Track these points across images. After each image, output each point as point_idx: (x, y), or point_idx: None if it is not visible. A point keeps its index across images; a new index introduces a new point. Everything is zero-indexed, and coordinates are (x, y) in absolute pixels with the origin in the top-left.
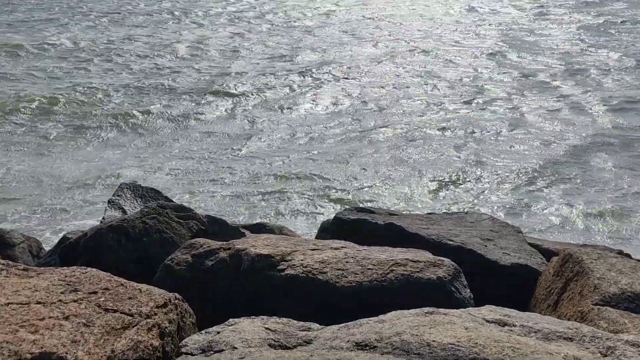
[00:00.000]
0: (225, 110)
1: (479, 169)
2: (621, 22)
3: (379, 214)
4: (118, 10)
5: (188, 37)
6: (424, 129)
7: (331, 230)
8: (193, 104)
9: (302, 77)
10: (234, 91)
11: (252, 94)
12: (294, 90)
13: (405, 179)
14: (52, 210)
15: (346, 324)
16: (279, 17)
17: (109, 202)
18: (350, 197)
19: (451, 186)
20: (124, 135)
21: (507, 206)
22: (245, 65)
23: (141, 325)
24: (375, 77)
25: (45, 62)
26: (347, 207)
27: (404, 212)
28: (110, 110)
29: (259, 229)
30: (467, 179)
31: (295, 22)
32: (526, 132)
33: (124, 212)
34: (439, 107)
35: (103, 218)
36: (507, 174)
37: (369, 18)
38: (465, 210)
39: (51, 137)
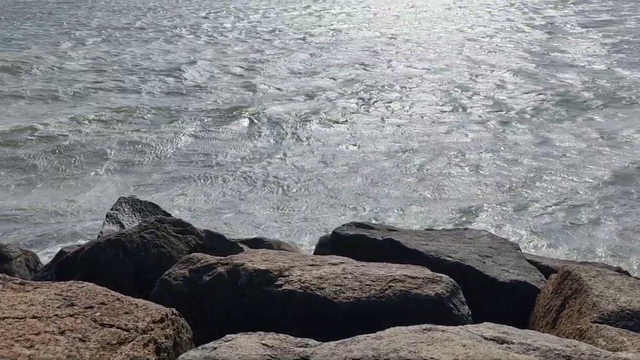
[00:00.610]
0: (249, 128)
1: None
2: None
3: (377, 230)
4: (125, 27)
5: (205, 54)
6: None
7: (330, 245)
8: (217, 124)
9: (323, 94)
10: (257, 109)
11: (280, 114)
12: (317, 109)
13: (424, 200)
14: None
15: (343, 340)
16: (291, 33)
17: (107, 216)
18: (361, 213)
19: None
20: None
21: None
22: (268, 82)
23: (137, 341)
24: (394, 94)
25: (62, 79)
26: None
27: (403, 228)
28: (136, 130)
29: (257, 243)
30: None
31: (308, 38)
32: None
33: (122, 226)
34: (464, 127)
35: (101, 232)
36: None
37: (384, 36)
38: (464, 227)
39: (75, 161)
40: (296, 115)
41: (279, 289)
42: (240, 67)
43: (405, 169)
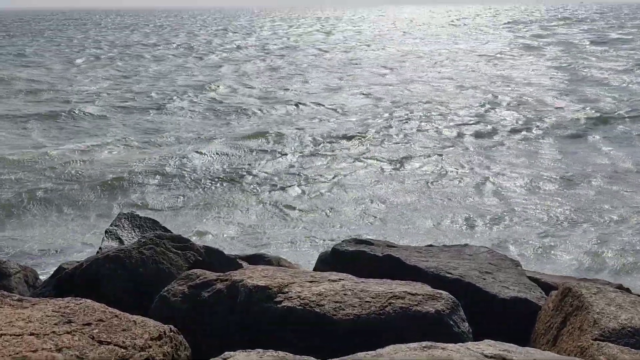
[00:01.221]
0: (274, 146)
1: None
2: None
3: (377, 246)
4: (137, 43)
5: (226, 73)
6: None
7: (329, 261)
8: (244, 142)
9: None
10: (286, 130)
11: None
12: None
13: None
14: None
15: (343, 358)
16: (305, 50)
17: (106, 232)
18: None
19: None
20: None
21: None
22: (293, 101)
23: (135, 358)
24: (426, 112)
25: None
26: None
27: (403, 244)
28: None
29: (256, 260)
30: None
31: (323, 54)
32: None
33: (121, 242)
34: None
35: (100, 248)
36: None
37: (400, 53)
38: (464, 243)
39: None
40: (320, 134)
41: (279, 305)
42: (262, 86)
43: (442, 184)
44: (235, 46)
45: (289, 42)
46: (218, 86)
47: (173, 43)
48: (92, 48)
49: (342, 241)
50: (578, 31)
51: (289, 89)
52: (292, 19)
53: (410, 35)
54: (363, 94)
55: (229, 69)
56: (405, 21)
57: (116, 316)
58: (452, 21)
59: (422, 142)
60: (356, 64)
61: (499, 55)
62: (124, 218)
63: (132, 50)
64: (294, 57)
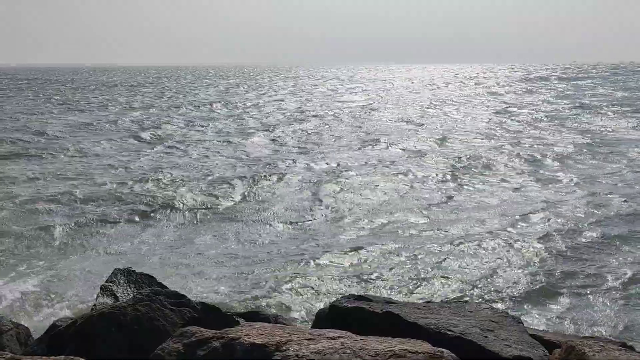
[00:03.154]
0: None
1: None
2: None
3: (376, 302)
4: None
5: (255, 132)
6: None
7: (328, 318)
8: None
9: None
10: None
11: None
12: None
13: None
14: None
15: None
16: (321, 112)
17: (101, 288)
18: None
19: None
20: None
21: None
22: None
23: None
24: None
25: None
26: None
27: (402, 300)
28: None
29: (253, 317)
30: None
31: (345, 110)
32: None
33: (116, 298)
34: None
35: (94, 305)
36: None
37: (403, 121)
38: (464, 299)
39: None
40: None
41: None
42: (298, 145)
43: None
44: (254, 106)
45: (308, 106)
46: (247, 142)
47: (196, 101)
48: (112, 106)
49: (341, 297)
50: (584, 87)
51: (320, 148)
52: (299, 79)
53: (423, 94)
54: (380, 148)
55: (255, 126)
56: (400, 79)
57: None
58: (457, 77)
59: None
60: (372, 119)
61: (516, 111)
62: (120, 274)
63: (149, 105)
64: (314, 116)
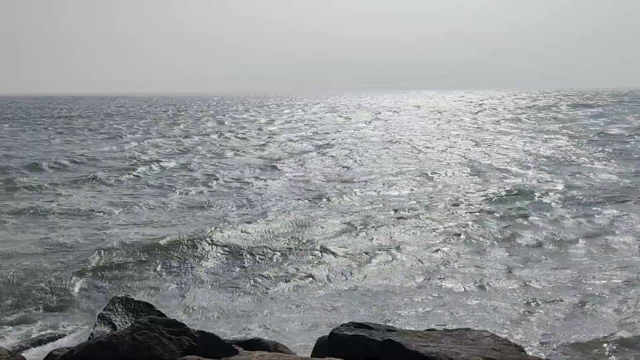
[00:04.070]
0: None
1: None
2: None
3: (377, 330)
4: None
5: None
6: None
7: (328, 346)
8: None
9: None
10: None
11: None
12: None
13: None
14: None
15: None
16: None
17: (99, 317)
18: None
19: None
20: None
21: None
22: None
23: None
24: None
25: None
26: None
27: (403, 328)
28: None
29: (253, 345)
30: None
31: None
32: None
33: (114, 327)
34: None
35: (92, 334)
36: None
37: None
38: (466, 327)
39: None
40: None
41: None
42: (321, 180)
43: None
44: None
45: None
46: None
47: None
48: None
49: (341, 325)
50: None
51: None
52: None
53: (437, 129)
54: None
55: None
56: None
57: None
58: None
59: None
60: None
61: (545, 153)
62: (118, 302)
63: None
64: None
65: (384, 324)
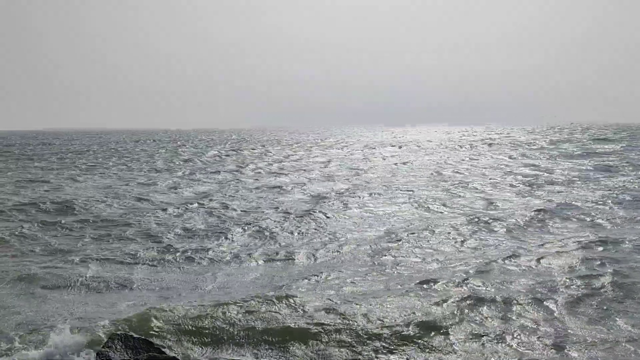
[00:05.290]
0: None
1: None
2: None
3: None
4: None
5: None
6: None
7: None
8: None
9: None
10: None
11: None
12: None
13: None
14: None
15: None
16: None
17: (97, 354)
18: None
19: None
20: None
21: None
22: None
23: None
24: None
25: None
26: None
27: None
28: None
29: None
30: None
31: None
32: None
33: None
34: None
35: None
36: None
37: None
38: None
39: None
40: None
41: None
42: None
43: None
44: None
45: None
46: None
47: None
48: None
49: None
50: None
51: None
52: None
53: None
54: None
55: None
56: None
57: None
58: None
59: None
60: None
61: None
62: (117, 339)
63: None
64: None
65: None
